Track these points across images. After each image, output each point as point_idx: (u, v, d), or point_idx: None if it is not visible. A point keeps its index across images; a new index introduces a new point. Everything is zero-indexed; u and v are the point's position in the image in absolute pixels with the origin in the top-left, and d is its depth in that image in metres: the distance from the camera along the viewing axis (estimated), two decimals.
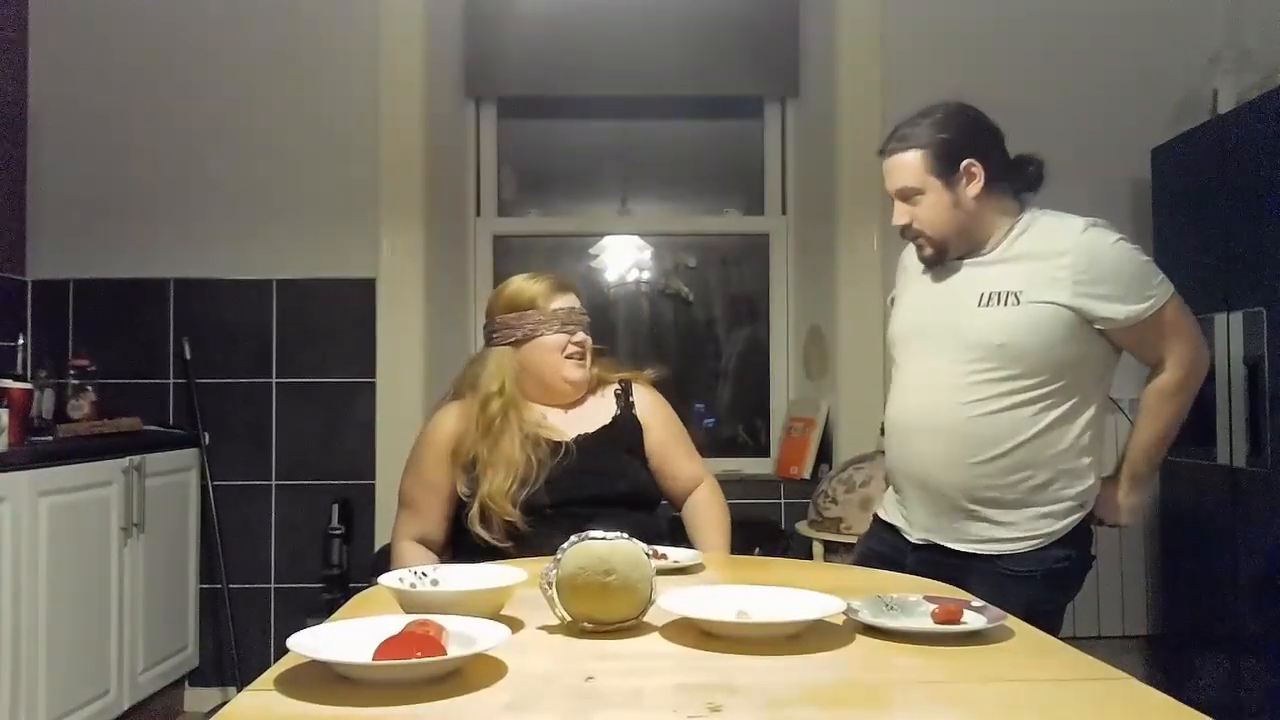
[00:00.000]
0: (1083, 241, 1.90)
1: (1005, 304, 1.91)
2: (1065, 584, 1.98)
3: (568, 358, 2.14)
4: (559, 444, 2.08)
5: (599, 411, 2.20)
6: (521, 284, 2.21)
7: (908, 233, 2.02)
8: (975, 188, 1.95)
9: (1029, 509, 1.93)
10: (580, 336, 2.17)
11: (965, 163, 1.94)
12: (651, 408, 2.25)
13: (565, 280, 2.25)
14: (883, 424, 2.16)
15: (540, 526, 1.98)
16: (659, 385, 2.32)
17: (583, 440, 2.11)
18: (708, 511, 2.24)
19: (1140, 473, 2.02)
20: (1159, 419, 1.98)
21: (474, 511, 2.03)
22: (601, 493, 2.06)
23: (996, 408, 1.91)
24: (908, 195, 1.98)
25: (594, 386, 2.24)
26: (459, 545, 2.14)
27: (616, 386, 2.25)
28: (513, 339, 2.15)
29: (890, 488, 2.16)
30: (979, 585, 1.82)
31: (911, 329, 2.07)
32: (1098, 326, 1.90)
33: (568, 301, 2.18)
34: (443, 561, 2.10)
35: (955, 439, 1.94)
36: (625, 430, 2.19)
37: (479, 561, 1.90)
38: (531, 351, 2.14)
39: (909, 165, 1.96)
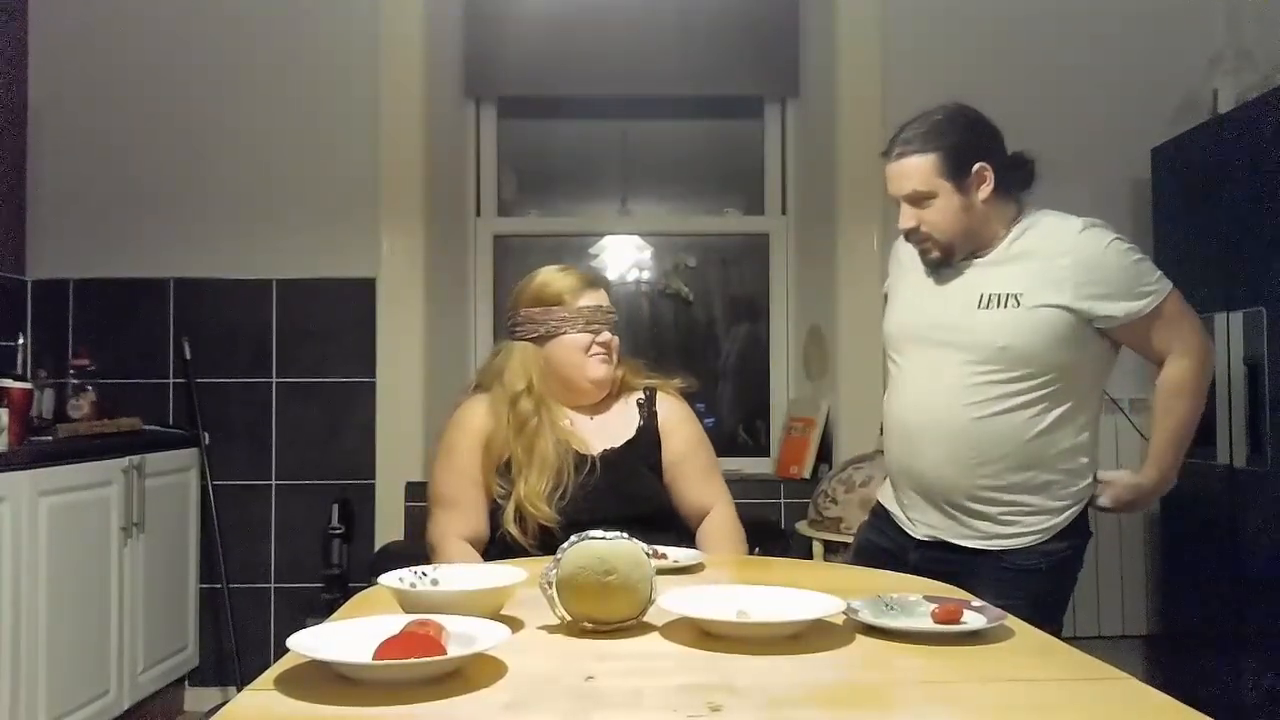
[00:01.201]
0: (1081, 242, 1.91)
1: (1005, 306, 1.92)
2: (1070, 571, 2.01)
3: (591, 357, 2.09)
4: (584, 457, 2.04)
5: (623, 422, 2.14)
6: (549, 277, 2.14)
7: (914, 236, 2.01)
8: (986, 191, 1.95)
9: (1031, 508, 1.95)
10: (605, 336, 2.10)
11: (977, 166, 1.94)
12: (674, 420, 2.17)
13: (595, 276, 2.19)
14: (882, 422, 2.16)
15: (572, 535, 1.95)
16: (686, 395, 2.24)
17: (608, 456, 2.06)
18: (718, 548, 2.12)
19: (1166, 465, 2.00)
20: (1173, 414, 1.97)
21: (509, 512, 1.99)
22: (636, 514, 1.97)
23: (1000, 409, 1.92)
24: (917, 199, 1.96)
25: (618, 390, 2.18)
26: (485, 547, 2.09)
27: (641, 395, 2.18)
28: (535, 334, 2.10)
29: (888, 480, 2.16)
30: (985, 580, 1.83)
31: (911, 329, 2.07)
32: (1098, 325, 1.90)
33: (595, 299, 2.12)
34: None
35: (959, 441, 1.95)
36: (646, 444, 2.13)
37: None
38: (555, 349, 2.09)
39: (919, 169, 1.94)
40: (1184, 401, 1.96)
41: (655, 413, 2.17)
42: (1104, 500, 2.01)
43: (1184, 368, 1.95)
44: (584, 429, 2.11)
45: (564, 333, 2.08)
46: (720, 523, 2.16)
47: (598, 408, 2.16)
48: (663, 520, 2.10)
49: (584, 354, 2.09)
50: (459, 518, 2.04)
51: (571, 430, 2.08)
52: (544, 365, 2.09)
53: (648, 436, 2.14)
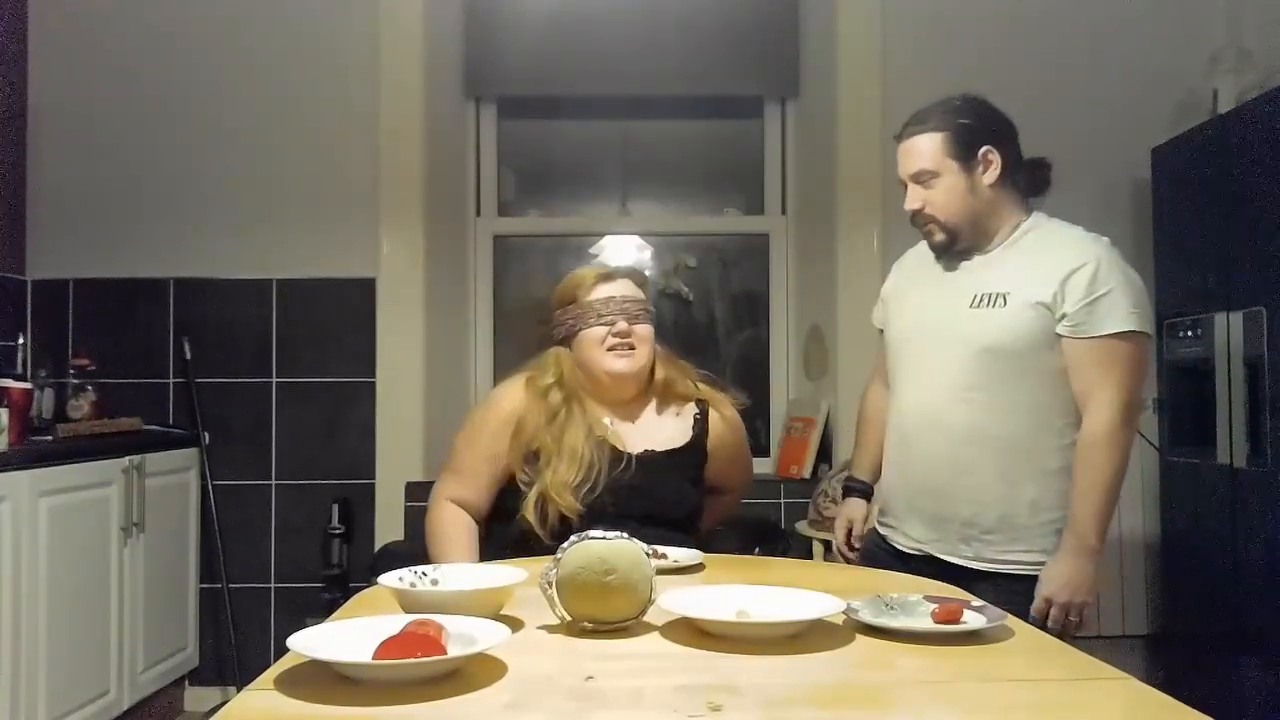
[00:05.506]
0: (1078, 245, 1.90)
1: (994, 305, 1.91)
2: None
3: (608, 351, 2.05)
4: (620, 454, 2.02)
5: (671, 429, 2.12)
6: (569, 276, 2.15)
7: (919, 218, 1.99)
8: (991, 176, 1.94)
9: (1026, 531, 1.90)
10: (621, 325, 2.04)
11: (983, 149, 1.94)
12: (720, 440, 2.16)
13: (613, 268, 2.16)
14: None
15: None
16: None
17: (648, 457, 2.04)
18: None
19: (1089, 540, 1.84)
20: (1095, 470, 1.84)
21: (530, 500, 1.97)
22: (661, 514, 1.98)
23: (990, 413, 1.90)
24: (923, 178, 1.95)
25: (663, 392, 2.14)
26: (490, 532, 2.10)
27: (696, 410, 2.15)
28: (563, 335, 2.10)
29: (885, 503, 2.13)
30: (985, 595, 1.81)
31: (912, 331, 2.06)
32: (1057, 330, 1.86)
33: (610, 290, 2.08)
34: (482, 535, 2.08)
35: (949, 445, 1.93)
36: (693, 455, 2.12)
37: (508, 553, 1.90)
38: (577, 346, 2.08)
39: (928, 147, 1.94)
40: (1101, 453, 1.83)
41: (707, 429, 2.15)
42: (1036, 610, 1.84)
43: (1102, 421, 1.83)
44: (624, 429, 2.08)
45: (580, 329, 2.07)
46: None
47: (642, 410, 2.13)
48: (688, 523, 2.09)
49: (601, 347, 2.05)
50: (461, 485, 2.08)
51: (609, 428, 2.06)
52: (573, 363, 2.08)
53: (695, 452, 2.13)
